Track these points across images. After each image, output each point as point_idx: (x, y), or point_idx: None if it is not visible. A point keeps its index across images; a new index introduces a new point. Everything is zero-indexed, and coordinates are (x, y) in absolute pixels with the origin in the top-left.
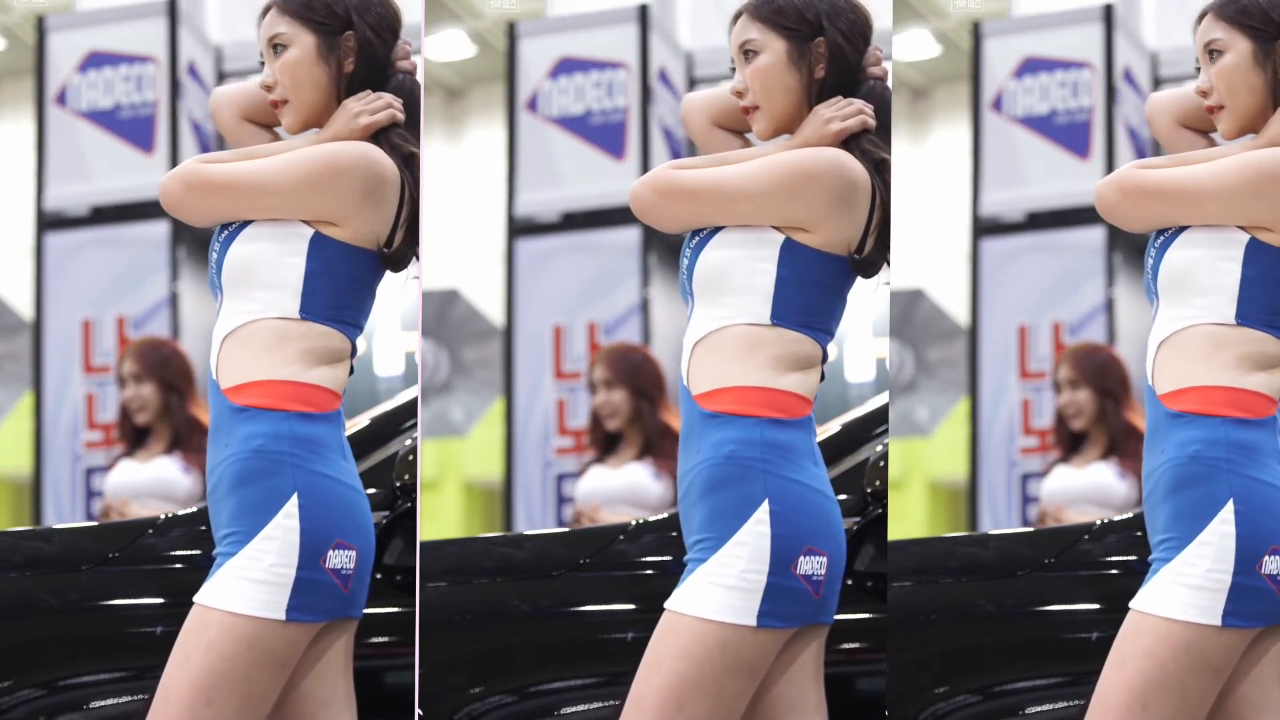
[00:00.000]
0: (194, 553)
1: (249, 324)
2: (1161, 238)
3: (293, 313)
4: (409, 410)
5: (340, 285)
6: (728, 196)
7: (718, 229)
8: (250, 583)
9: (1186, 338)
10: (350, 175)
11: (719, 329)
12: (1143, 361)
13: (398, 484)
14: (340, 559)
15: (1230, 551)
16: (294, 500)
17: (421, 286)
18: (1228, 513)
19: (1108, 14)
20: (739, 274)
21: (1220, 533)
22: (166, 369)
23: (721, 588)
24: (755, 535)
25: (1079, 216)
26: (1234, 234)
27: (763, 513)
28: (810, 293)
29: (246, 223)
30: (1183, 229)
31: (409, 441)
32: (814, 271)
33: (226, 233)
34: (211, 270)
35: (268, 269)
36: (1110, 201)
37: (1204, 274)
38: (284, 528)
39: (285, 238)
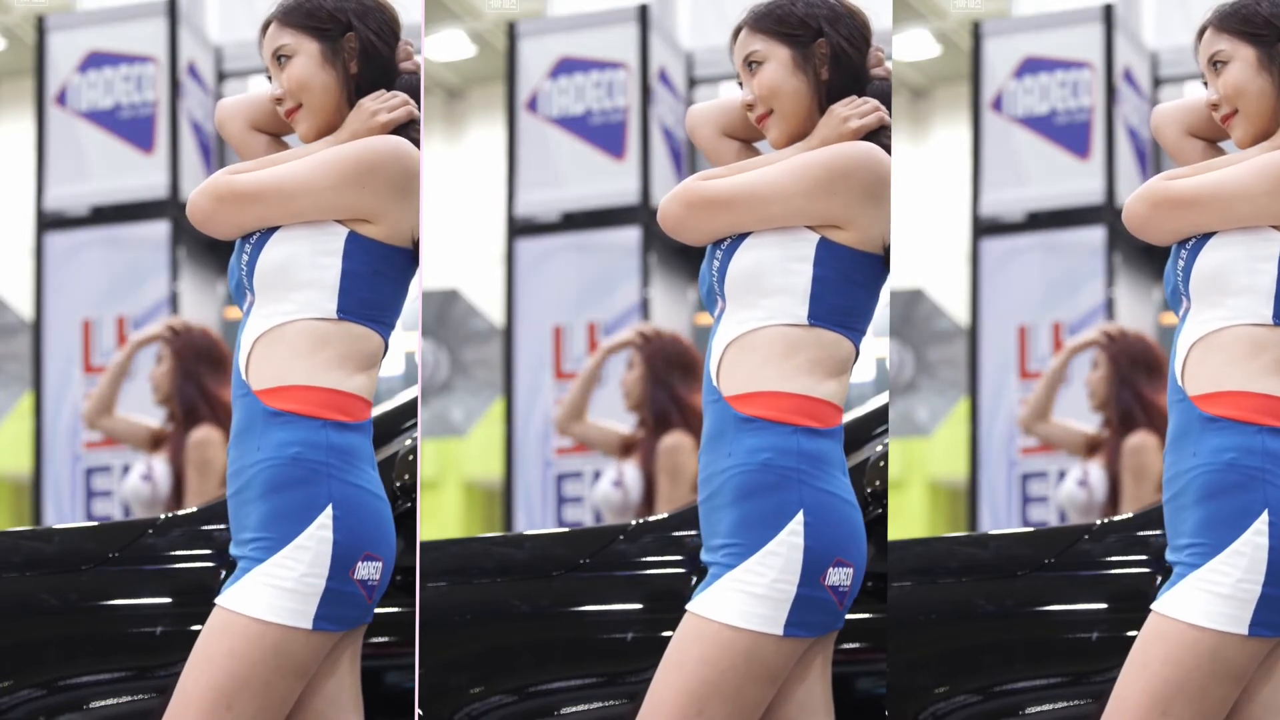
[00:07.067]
0: (194, 552)
1: (284, 325)
2: (1192, 240)
3: (330, 313)
4: (409, 410)
5: (375, 283)
6: (763, 199)
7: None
8: (279, 591)
9: (1221, 339)
10: (386, 170)
11: (754, 330)
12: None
13: (398, 484)
14: (368, 570)
15: (1262, 562)
16: (328, 511)
17: (421, 286)
18: (1261, 524)
19: (1108, 14)
20: (775, 275)
21: (1253, 543)
22: (189, 348)
23: (750, 596)
24: (789, 546)
25: (1079, 216)
26: (1268, 234)
27: (797, 524)
28: (846, 292)
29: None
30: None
31: (409, 441)
32: (849, 270)
33: (257, 235)
34: (240, 274)
35: (304, 270)
36: (1141, 217)
37: (1239, 274)
38: (317, 538)
39: (320, 238)
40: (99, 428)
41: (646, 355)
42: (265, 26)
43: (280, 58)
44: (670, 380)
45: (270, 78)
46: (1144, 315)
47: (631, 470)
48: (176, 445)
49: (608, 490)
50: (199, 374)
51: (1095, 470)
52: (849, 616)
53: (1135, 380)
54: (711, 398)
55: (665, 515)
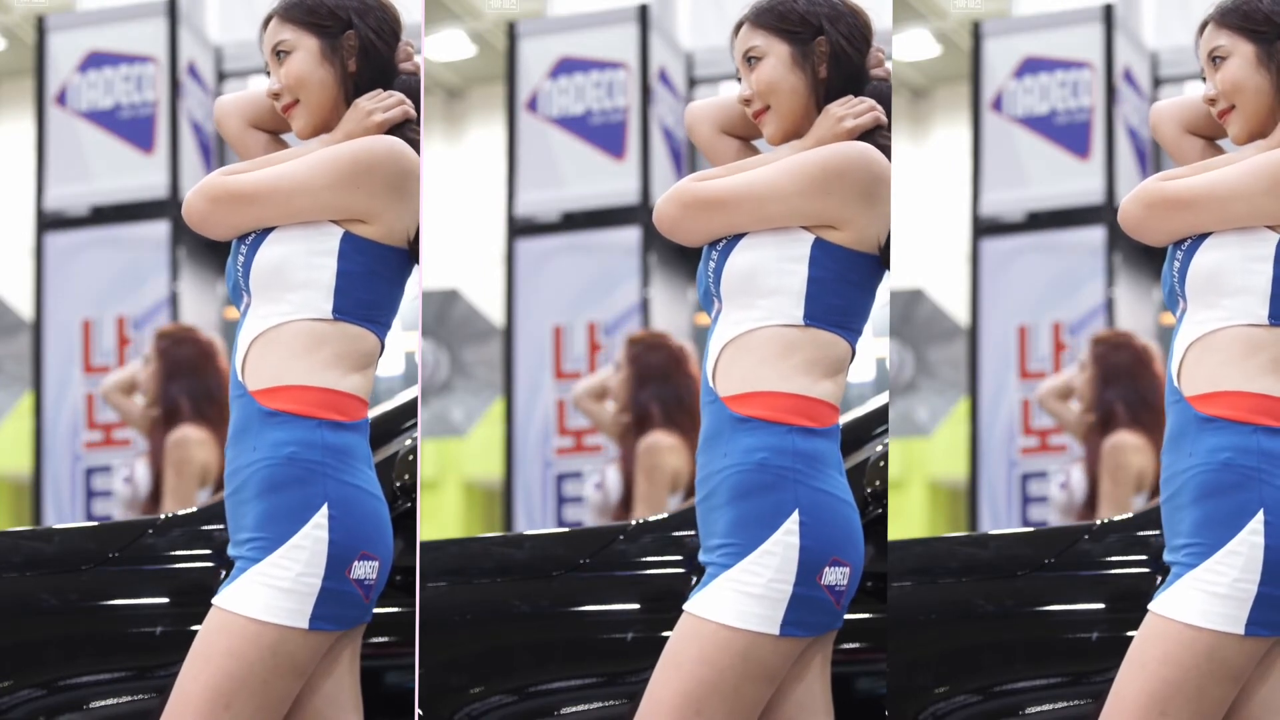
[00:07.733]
0: (194, 552)
1: (281, 325)
2: (1188, 240)
3: (325, 313)
4: (409, 410)
5: (371, 283)
6: (759, 199)
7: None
8: (275, 590)
9: (1218, 340)
10: (381, 170)
11: (751, 330)
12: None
13: (398, 484)
14: (364, 570)
15: (1258, 561)
16: (324, 511)
17: (421, 286)
18: (1257, 523)
19: (1108, 14)
20: (770, 275)
21: (1249, 543)
22: (175, 350)
23: (747, 596)
24: (784, 545)
25: (1079, 216)
26: (1263, 234)
27: (792, 523)
28: (842, 292)
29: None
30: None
31: (409, 441)
32: (845, 270)
33: (253, 236)
34: (236, 275)
35: (299, 270)
36: (1136, 218)
37: (1235, 275)
38: (313, 538)
39: (315, 238)
40: (112, 401)
41: (632, 357)
42: (266, 21)
43: (279, 53)
44: (655, 383)
45: (269, 73)
46: (1144, 315)
47: (612, 472)
48: (157, 447)
49: (589, 492)
50: (184, 376)
51: (1076, 472)
52: (849, 616)
53: (1120, 383)
54: (708, 398)
55: (665, 515)
